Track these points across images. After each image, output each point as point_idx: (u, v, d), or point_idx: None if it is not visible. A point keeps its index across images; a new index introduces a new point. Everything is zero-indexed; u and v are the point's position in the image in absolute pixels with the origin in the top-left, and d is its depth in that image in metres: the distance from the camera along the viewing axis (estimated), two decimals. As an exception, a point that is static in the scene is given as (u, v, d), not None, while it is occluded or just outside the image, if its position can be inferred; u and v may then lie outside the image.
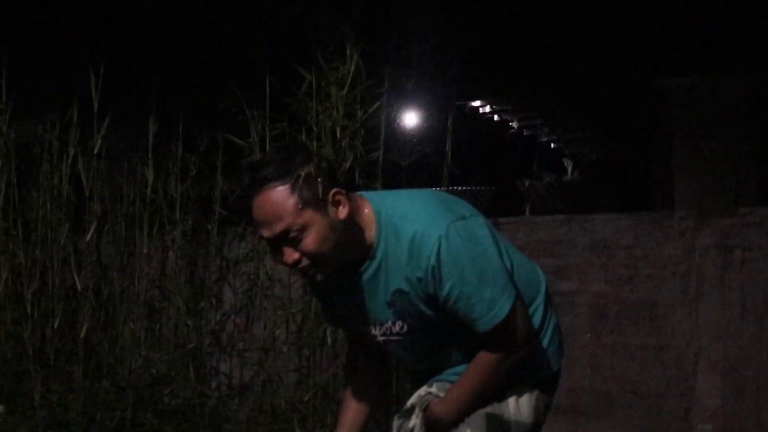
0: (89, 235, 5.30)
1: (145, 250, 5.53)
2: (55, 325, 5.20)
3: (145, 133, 5.40)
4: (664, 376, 4.98)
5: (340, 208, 2.49)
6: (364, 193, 2.65)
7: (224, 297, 5.62)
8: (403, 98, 5.21)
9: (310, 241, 2.45)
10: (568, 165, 18.54)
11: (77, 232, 5.49)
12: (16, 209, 5.42)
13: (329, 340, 4.77)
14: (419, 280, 2.51)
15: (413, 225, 2.51)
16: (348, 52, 4.61)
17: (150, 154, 5.41)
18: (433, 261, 2.47)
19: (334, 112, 4.57)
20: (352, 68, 4.60)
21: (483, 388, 2.65)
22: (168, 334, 5.32)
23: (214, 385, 5.34)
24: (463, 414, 2.69)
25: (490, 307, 2.50)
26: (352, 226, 2.52)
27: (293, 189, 2.44)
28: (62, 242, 5.37)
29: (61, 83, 5.39)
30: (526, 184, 17.10)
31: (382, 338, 2.70)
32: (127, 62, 5.66)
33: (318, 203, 2.45)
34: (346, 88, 4.59)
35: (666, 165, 13.35)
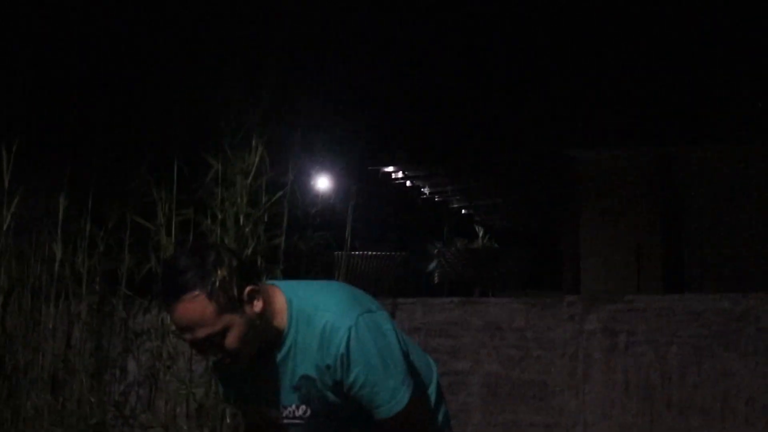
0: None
1: (51, 324, 5.60)
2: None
3: (56, 209, 5.50)
4: (553, 454, 5.20)
5: (255, 302, 2.61)
6: (274, 282, 2.79)
7: (128, 368, 5.70)
8: (308, 178, 5.40)
9: (230, 341, 2.57)
10: (479, 231, 18.89)
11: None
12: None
13: (228, 419, 4.88)
14: (327, 367, 2.65)
15: (324, 315, 2.66)
16: (254, 143, 4.80)
17: (59, 229, 5.50)
18: (342, 349, 2.62)
19: (239, 200, 4.74)
20: (257, 159, 4.78)
21: None
22: (71, 407, 5.37)
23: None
24: None
25: (392, 396, 2.66)
26: (267, 316, 2.65)
27: (210, 297, 2.53)
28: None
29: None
30: (436, 250, 17.42)
31: (285, 421, 2.81)
32: (41, 138, 5.76)
33: (234, 305, 2.56)
34: (250, 177, 4.77)
35: (574, 236, 13.70)
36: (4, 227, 5.36)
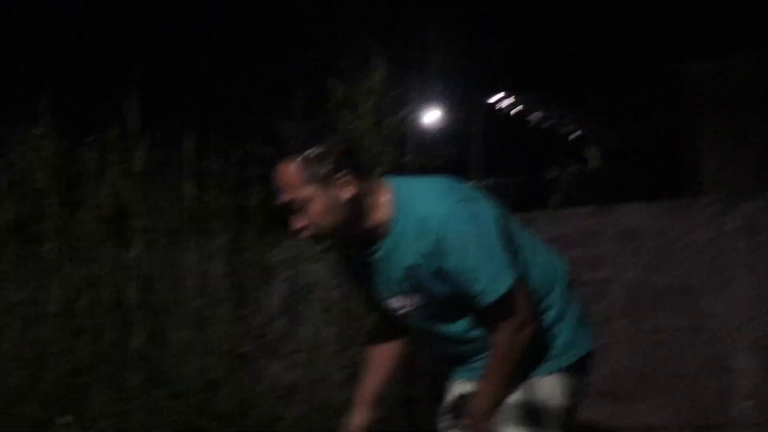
0: (134, 249, 5.46)
1: (187, 261, 5.71)
2: (109, 337, 5.38)
3: (182, 150, 5.58)
4: (701, 357, 5.11)
5: (345, 189, 2.72)
6: (387, 178, 2.87)
7: (266, 302, 5.79)
8: (429, 100, 5.36)
9: (312, 213, 2.71)
10: (592, 153, 18.60)
11: (123, 247, 5.66)
12: (64, 229, 5.59)
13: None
14: (427, 254, 2.71)
15: (423, 204, 2.73)
16: (373, 62, 4.78)
17: (187, 169, 5.58)
18: (438, 235, 2.68)
19: (363, 121, 4.74)
20: (379, 78, 4.76)
21: (504, 371, 2.82)
22: (216, 340, 5.48)
23: (263, 387, 5.50)
24: (495, 405, 2.87)
25: (490, 283, 2.69)
26: (360, 206, 2.75)
27: (303, 165, 2.69)
28: (110, 258, 5.55)
29: (100, 105, 5.57)
30: (551, 175, 17.16)
31: (402, 312, 2.91)
32: (163, 82, 5.84)
33: (322, 181, 2.70)
34: (374, 97, 4.76)
35: (690, 148, 13.46)
36: (136, 170, 5.44)
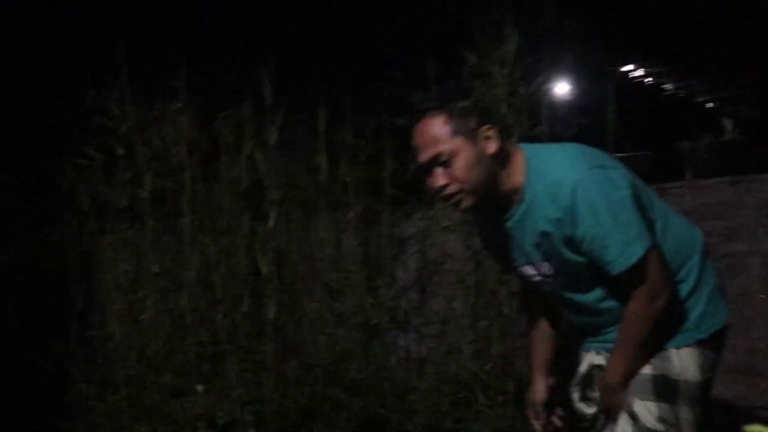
0: (270, 221, 5.56)
1: (321, 234, 5.79)
2: (244, 308, 5.50)
3: (316, 123, 5.65)
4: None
5: (490, 143, 2.74)
6: (520, 144, 2.87)
7: (398, 274, 5.83)
8: (561, 71, 5.31)
9: (457, 167, 2.72)
10: (727, 125, 18.13)
11: (257, 220, 5.77)
12: (202, 202, 5.73)
13: (506, 311, 4.92)
14: (558, 220, 2.71)
15: (556, 170, 2.72)
16: (506, 31, 4.76)
17: (321, 142, 5.65)
18: (569, 202, 2.67)
19: (497, 91, 4.72)
20: (512, 48, 4.74)
21: (637, 340, 2.79)
22: (348, 312, 5.55)
23: (394, 359, 5.56)
24: (629, 375, 2.84)
25: (623, 251, 2.67)
26: (501, 165, 2.77)
27: (449, 118, 2.72)
28: (244, 230, 5.66)
29: (235, 80, 5.67)
30: (685, 146, 16.83)
31: (537, 278, 2.92)
32: (295, 56, 5.91)
33: (469, 134, 2.73)
34: (508, 67, 4.74)
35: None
36: (270, 143, 5.52)
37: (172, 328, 5.58)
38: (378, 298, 5.61)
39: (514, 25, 4.78)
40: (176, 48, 5.49)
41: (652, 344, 2.83)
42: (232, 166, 5.69)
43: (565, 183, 2.68)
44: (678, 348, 2.86)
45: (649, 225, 2.76)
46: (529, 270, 2.92)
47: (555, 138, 4.98)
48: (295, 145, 5.87)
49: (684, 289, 2.87)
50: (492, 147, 2.74)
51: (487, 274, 5.00)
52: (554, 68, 5.28)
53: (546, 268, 2.86)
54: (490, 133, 2.74)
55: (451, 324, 5.23)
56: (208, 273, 5.62)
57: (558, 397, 3.22)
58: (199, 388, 5.29)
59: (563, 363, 3.18)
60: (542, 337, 3.20)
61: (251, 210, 5.73)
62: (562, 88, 8.85)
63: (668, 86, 17.43)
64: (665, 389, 2.83)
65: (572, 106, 5.44)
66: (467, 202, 2.79)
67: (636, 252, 2.67)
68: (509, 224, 2.85)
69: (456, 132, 2.72)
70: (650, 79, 16.83)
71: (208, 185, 5.76)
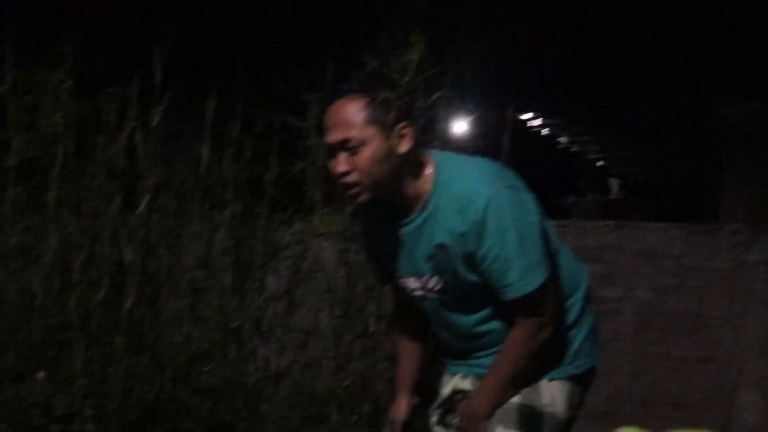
0: (141, 208, 5.33)
1: (194, 229, 5.57)
2: (101, 296, 5.24)
3: (203, 113, 5.44)
4: (705, 389, 4.97)
5: (404, 141, 2.61)
6: (431, 150, 2.76)
7: (267, 281, 5.65)
8: (460, 95, 5.24)
9: (364, 157, 2.58)
10: (614, 184, 18.50)
11: (129, 206, 5.53)
12: (71, 180, 5.46)
13: (371, 328, 4.80)
14: (462, 234, 2.60)
15: (468, 182, 2.62)
16: (412, 40, 4.65)
17: (207, 133, 5.45)
18: (479, 216, 2.56)
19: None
20: (416, 56, 4.63)
21: (513, 370, 2.71)
22: (210, 313, 5.35)
23: (252, 368, 5.37)
24: (497, 404, 2.73)
25: (523, 276, 2.58)
26: (408, 167, 2.64)
27: (368, 105, 2.59)
28: (113, 215, 5.41)
29: (124, 60, 5.46)
30: (571, 200, 17.09)
31: (419, 292, 2.79)
32: (191, 42, 5.72)
33: (385, 126, 2.59)
34: (409, 75, 4.63)
35: (715, 188, 13.35)
36: (153, 124, 5.30)
37: (21, 309, 5.29)
38: (243, 302, 5.43)
39: (420, 35, 4.67)
40: (65, 14, 5.25)
41: (526, 375, 2.74)
42: (109, 145, 5.45)
43: (477, 197, 2.58)
44: (550, 380, 2.79)
45: (550, 254, 2.69)
46: (412, 282, 2.79)
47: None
48: (179, 134, 5.67)
49: (566, 321, 2.80)
50: (404, 146, 2.62)
51: (357, 288, 4.87)
52: (454, 93, 5.20)
53: (433, 282, 2.74)
54: (407, 131, 2.62)
55: (314, 337, 5.08)
56: (69, 254, 5.35)
57: (419, 418, 3.10)
58: (40, 374, 5.00)
59: (428, 384, 3.07)
60: (411, 355, 3.07)
61: (124, 194, 5.49)
62: (458, 121, 8.82)
63: (562, 140, 17.72)
64: (530, 419, 2.75)
65: (465, 139, 5.36)
66: (364, 196, 2.65)
67: (535, 280, 2.60)
68: (404, 231, 2.72)
69: (371, 121, 2.59)
70: (546, 130, 17.09)
71: (82, 162, 5.50)
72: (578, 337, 2.84)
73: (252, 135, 5.42)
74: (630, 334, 5.09)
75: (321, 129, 2.67)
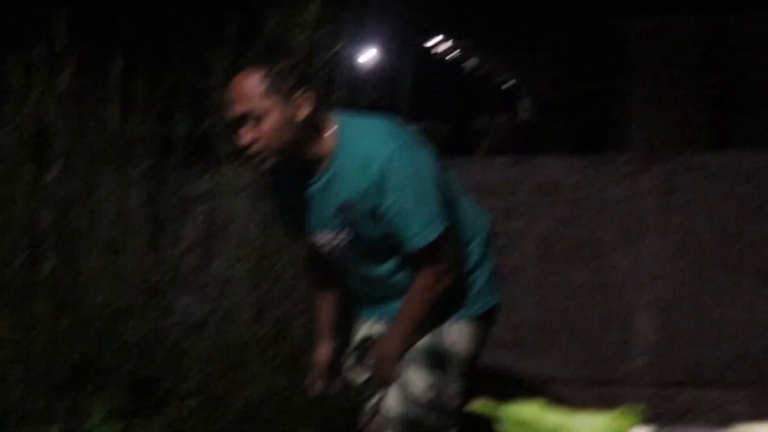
0: (53, 172, 5.39)
1: (106, 188, 5.65)
2: (18, 261, 5.32)
3: (109, 73, 5.50)
4: (604, 313, 5.23)
5: (304, 107, 2.79)
6: (333, 111, 2.96)
7: (182, 234, 5.76)
8: (363, 39, 5.35)
9: (265, 128, 2.76)
10: (525, 104, 18.75)
11: (42, 171, 5.58)
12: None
13: (286, 276, 4.96)
14: (364, 191, 2.81)
15: (368, 142, 2.83)
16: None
17: (114, 93, 5.50)
18: (378, 174, 2.77)
19: (295, 54, 4.71)
20: (314, 12, 4.75)
21: (419, 314, 2.95)
22: (128, 270, 5.46)
23: (170, 322, 5.50)
24: (407, 346, 2.95)
25: (422, 228, 2.81)
26: (311, 131, 2.83)
27: (266, 76, 2.77)
28: (25, 180, 5.47)
29: (26, 24, 5.47)
30: (481, 122, 17.32)
31: (329, 246, 2.99)
32: (93, 3, 5.75)
33: (284, 95, 2.77)
34: (308, 31, 4.75)
35: (623, 106, 13.61)
36: (58, 92, 5.35)
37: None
38: (160, 257, 5.54)
39: None
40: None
41: (432, 318, 2.94)
42: (17, 111, 5.48)
43: (376, 156, 2.77)
44: (454, 322, 3.02)
45: (448, 206, 2.88)
46: (322, 237, 2.97)
47: (350, 105, 5.04)
48: (86, 94, 5.71)
49: (466, 266, 3.00)
50: (304, 112, 2.78)
51: (270, 238, 5.02)
52: (357, 36, 5.33)
53: (342, 236, 2.92)
54: (306, 96, 2.79)
55: (230, 287, 5.23)
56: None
57: (341, 361, 3.29)
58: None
59: (346, 327, 3.25)
60: (328, 301, 3.27)
61: (35, 159, 5.54)
62: (364, 57, 8.92)
63: (471, 63, 17.84)
64: (437, 359, 2.98)
65: (373, 76, 5.49)
66: (270, 162, 2.83)
67: (434, 231, 2.80)
68: (311, 189, 2.90)
69: (270, 91, 2.75)
70: (454, 54, 17.19)
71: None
72: (479, 280, 3.07)
73: (158, 93, 5.49)
74: (532, 265, 5.30)
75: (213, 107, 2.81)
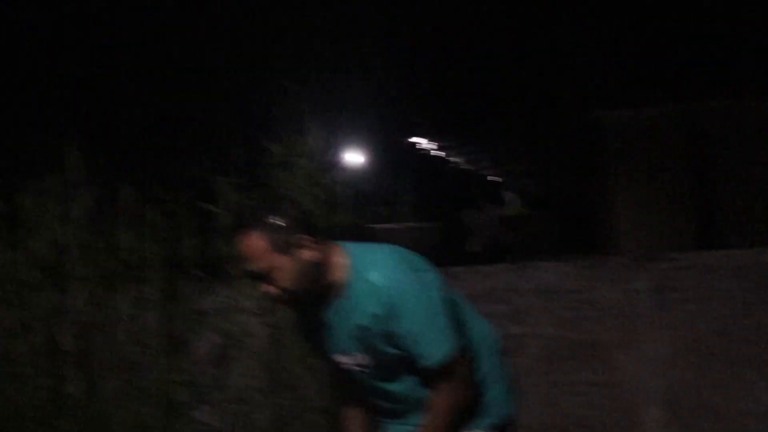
0: (73, 297, 5.58)
1: (121, 308, 5.84)
2: (41, 383, 5.49)
3: (121, 198, 5.74)
4: (609, 410, 5.42)
5: (306, 254, 2.98)
6: (339, 242, 3.12)
7: (198, 348, 5.94)
8: (354, 145, 5.64)
9: (278, 280, 2.97)
10: (510, 197, 19.03)
11: (59, 293, 5.77)
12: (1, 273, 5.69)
13: (304, 387, 5.14)
14: (377, 316, 2.98)
15: (378, 271, 3.00)
16: (309, 125, 5.07)
17: (126, 217, 5.74)
18: (389, 299, 2.96)
19: (298, 181, 5.01)
20: (316, 141, 5.04)
21: (438, 427, 3.08)
22: (148, 386, 5.62)
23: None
24: None
25: (435, 348, 2.99)
26: (320, 268, 3.01)
27: (264, 234, 2.93)
28: (45, 304, 5.66)
29: (42, 151, 5.71)
30: (470, 216, 17.59)
31: (350, 367, 3.16)
32: (106, 131, 6.01)
33: (285, 248, 2.94)
34: (309, 158, 5.03)
35: (606, 199, 13.86)
36: (75, 218, 5.57)
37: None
38: (178, 373, 5.70)
39: (316, 118, 5.07)
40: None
41: (451, 428, 3.11)
42: (34, 237, 5.70)
43: (385, 283, 2.97)
44: (471, 430, 3.17)
45: (457, 324, 3.07)
46: (342, 359, 3.16)
47: (355, 225, 5.31)
48: (99, 220, 5.92)
49: (479, 378, 3.19)
50: (309, 254, 2.98)
51: (284, 351, 5.22)
52: (349, 143, 5.62)
53: (361, 358, 3.11)
54: (305, 244, 2.98)
55: (247, 400, 5.39)
56: (7, 347, 5.59)
57: None
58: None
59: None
60: (354, 416, 3.39)
61: (52, 283, 5.74)
62: (355, 161, 9.22)
63: (455, 159, 18.18)
64: None
65: (367, 185, 5.76)
66: (291, 303, 3.08)
67: (446, 350, 2.99)
68: (328, 315, 3.09)
69: (272, 248, 2.95)
70: (437, 151, 17.53)
71: (9, 256, 5.73)
72: (494, 390, 3.24)
73: (168, 217, 5.73)
74: (536, 366, 5.50)
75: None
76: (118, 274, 5.79)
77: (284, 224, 2.96)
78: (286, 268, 2.95)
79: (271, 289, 2.99)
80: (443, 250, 17.04)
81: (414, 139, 16.62)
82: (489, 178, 19.98)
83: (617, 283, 5.51)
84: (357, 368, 3.15)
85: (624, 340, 5.46)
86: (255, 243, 2.95)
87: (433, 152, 17.29)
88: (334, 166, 5.24)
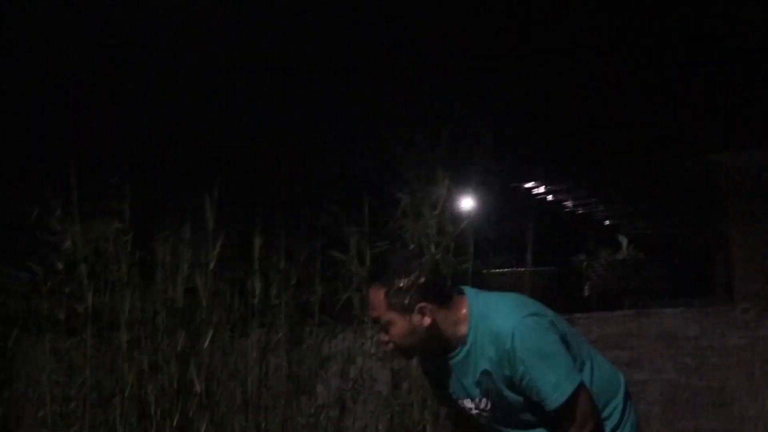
0: (205, 342, 5.80)
1: (250, 353, 6.04)
2: (174, 423, 5.70)
3: (251, 247, 5.95)
4: (734, 459, 5.41)
5: (424, 318, 3.11)
6: (465, 288, 3.25)
7: (319, 392, 6.09)
8: (474, 193, 5.73)
9: (393, 334, 3.14)
10: (623, 241, 18.91)
11: (190, 336, 5.99)
12: (138, 318, 5.94)
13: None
14: (498, 361, 3.07)
15: (497, 317, 3.10)
16: (439, 176, 5.20)
17: (256, 265, 5.95)
18: (508, 346, 3.04)
19: (428, 230, 5.14)
20: (444, 192, 5.18)
21: None
22: (273, 428, 5.79)
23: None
24: None
25: (555, 389, 3.03)
26: (438, 330, 3.13)
27: (387, 293, 3.10)
28: (178, 348, 5.88)
29: (177, 202, 5.96)
30: (584, 263, 17.54)
31: (475, 411, 3.25)
32: (237, 184, 6.24)
33: (404, 309, 3.10)
34: (438, 209, 5.17)
35: (722, 239, 13.67)
36: (211, 267, 5.80)
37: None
38: (302, 416, 5.86)
39: (445, 169, 5.22)
40: (122, 169, 5.76)
41: None
42: (168, 284, 5.93)
43: (504, 329, 3.06)
44: None
45: (577, 364, 3.13)
46: (467, 403, 3.27)
47: (478, 273, 5.43)
48: (231, 267, 6.14)
49: (609, 425, 3.25)
50: (425, 322, 3.12)
51: (405, 394, 5.34)
52: (471, 192, 5.72)
53: (484, 403, 3.21)
54: (425, 310, 3.11)
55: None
56: (141, 387, 5.81)
57: None
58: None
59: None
60: None
61: (184, 328, 5.95)
62: (475, 209, 9.31)
63: (568, 203, 18.13)
64: None
65: (485, 226, 5.86)
66: (405, 358, 3.36)
67: (567, 390, 3.04)
68: (451, 362, 3.20)
69: (391, 306, 3.11)
70: (551, 196, 17.50)
71: (145, 302, 5.97)
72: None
73: (296, 264, 5.92)
74: (659, 413, 5.52)
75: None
76: (247, 319, 5.99)
77: (407, 288, 3.11)
78: (399, 325, 3.12)
79: (385, 340, 3.16)
80: (558, 294, 17.00)
81: (529, 185, 16.63)
82: (605, 222, 19.83)
83: (741, 330, 5.50)
84: (481, 412, 3.25)
85: (750, 387, 5.44)
86: (375, 296, 3.14)
87: (549, 198, 17.26)
88: (459, 214, 5.37)
